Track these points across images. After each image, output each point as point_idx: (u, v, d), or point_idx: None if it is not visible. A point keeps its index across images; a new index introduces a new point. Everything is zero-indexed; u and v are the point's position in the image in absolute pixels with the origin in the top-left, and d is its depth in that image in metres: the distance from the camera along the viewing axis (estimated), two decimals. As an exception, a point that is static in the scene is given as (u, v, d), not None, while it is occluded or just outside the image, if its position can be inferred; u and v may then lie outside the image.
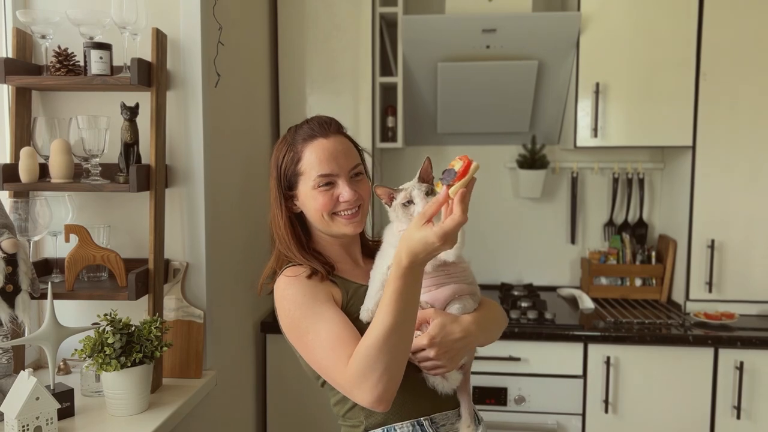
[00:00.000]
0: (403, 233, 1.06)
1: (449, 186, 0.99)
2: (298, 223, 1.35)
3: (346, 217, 1.29)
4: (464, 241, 1.18)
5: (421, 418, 1.26)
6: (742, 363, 2.26)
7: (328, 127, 1.31)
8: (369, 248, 1.43)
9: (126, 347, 1.55)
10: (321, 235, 1.35)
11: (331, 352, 1.17)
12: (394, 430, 1.26)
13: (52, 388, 1.53)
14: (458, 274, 1.28)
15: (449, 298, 1.26)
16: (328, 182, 1.28)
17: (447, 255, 1.19)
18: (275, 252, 1.36)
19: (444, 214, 1.01)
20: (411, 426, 1.26)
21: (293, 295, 1.24)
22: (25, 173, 1.68)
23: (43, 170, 1.73)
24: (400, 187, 1.22)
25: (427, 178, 1.21)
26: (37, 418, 1.37)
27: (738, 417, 2.28)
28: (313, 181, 1.27)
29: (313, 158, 1.28)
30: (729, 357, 2.29)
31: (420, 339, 1.18)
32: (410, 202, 1.18)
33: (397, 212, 1.21)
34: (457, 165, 1.01)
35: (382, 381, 1.09)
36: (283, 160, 1.31)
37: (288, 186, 1.32)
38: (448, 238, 1.00)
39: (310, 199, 1.29)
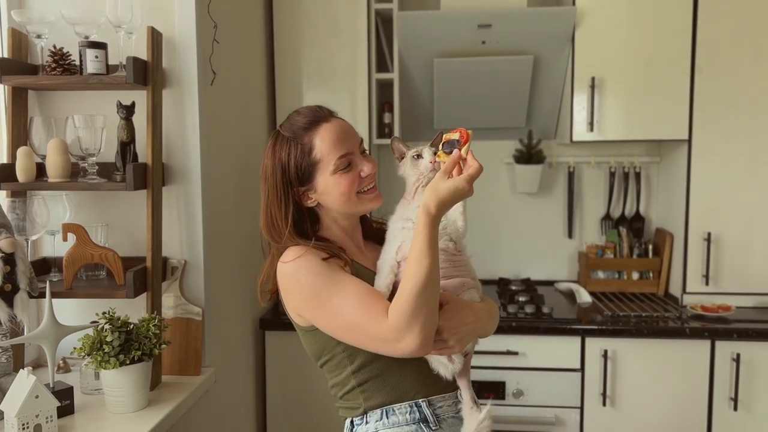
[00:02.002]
0: (427, 187, 1.18)
1: (459, 149, 1.20)
2: (307, 216, 1.33)
3: (370, 192, 1.31)
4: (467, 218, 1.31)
5: (419, 400, 1.29)
6: (738, 355, 2.27)
7: (322, 111, 1.31)
8: (371, 231, 1.44)
9: (125, 345, 1.56)
10: (329, 223, 1.34)
11: (364, 308, 1.18)
12: (393, 411, 1.28)
13: (51, 386, 1.54)
14: (463, 267, 1.33)
15: (458, 288, 1.30)
16: (348, 162, 1.27)
17: (458, 230, 1.30)
18: (271, 257, 1.33)
19: (456, 171, 1.19)
20: (409, 407, 1.29)
21: (308, 266, 1.23)
22: (22, 173, 1.68)
23: (40, 170, 1.73)
24: (412, 149, 1.35)
25: (436, 147, 1.33)
26: (37, 416, 1.38)
27: (735, 408, 2.30)
28: (333, 165, 1.26)
29: (327, 142, 1.26)
30: (726, 349, 2.30)
31: None
32: (419, 156, 1.31)
33: (407, 164, 1.33)
34: (454, 136, 1.23)
35: (427, 324, 1.14)
36: (289, 157, 1.27)
37: (302, 181, 1.28)
38: (473, 183, 1.17)
39: (333, 186, 1.27)
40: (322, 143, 1.26)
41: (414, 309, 1.13)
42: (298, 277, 1.23)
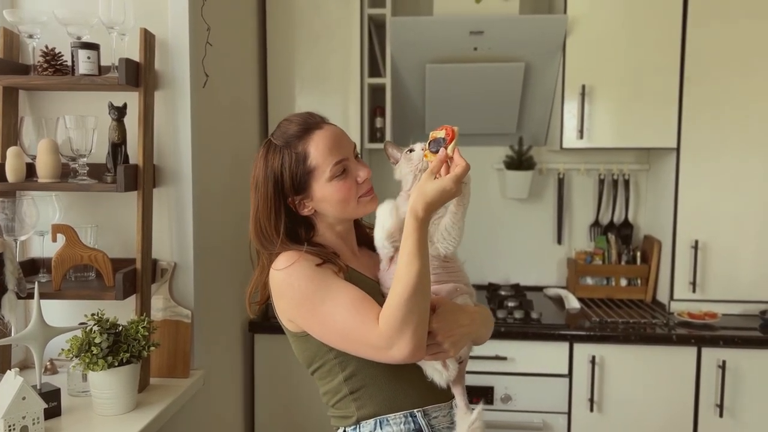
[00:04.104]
0: (413, 190, 1.18)
1: (445, 147, 1.18)
2: (302, 224, 1.31)
3: (367, 195, 1.30)
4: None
5: (414, 410, 1.27)
6: (724, 362, 2.30)
7: (314, 118, 1.30)
8: (364, 236, 1.43)
9: (113, 347, 1.55)
10: (323, 229, 1.32)
11: (357, 313, 1.17)
12: (387, 421, 1.27)
13: (38, 387, 1.53)
14: (457, 272, 1.33)
15: (451, 293, 1.29)
16: (343, 169, 1.26)
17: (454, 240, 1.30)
18: (261, 266, 1.32)
19: (444, 170, 1.17)
20: (404, 417, 1.27)
21: (301, 271, 1.21)
22: (11, 173, 1.67)
23: (30, 170, 1.72)
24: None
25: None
26: (24, 417, 1.37)
27: (720, 415, 2.31)
28: (329, 172, 1.25)
29: (321, 149, 1.25)
30: (712, 356, 2.32)
31: (428, 322, 1.20)
32: (411, 150, 1.31)
33: (401, 164, 1.32)
34: (440, 134, 1.20)
35: (419, 330, 1.13)
36: (282, 166, 1.25)
37: (297, 190, 1.26)
38: (460, 182, 1.16)
39: (332, 193, 1.26)
40: (317, 151, 1.25)
41: (405, 314, 1.12)
42: (291, 281, 1.21)
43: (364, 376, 1.26)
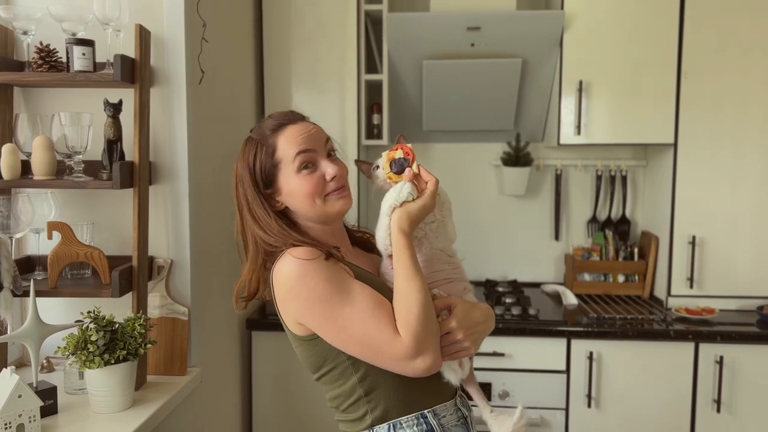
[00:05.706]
0: (396, 212, 1.22)
1: (410, 167, 1.26)
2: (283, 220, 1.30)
3: (335, 192, 1.27)
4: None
5: (425, 411, 1.27)
6: (722, 357, 2.30)
7: (293, 115, 1.30)
8: (354, 239, 1.42)
9: (110, 344, 1.55)
10: (312, 227, 1.30)
11: (378, 322, 1.16)
12: (400, 424, 1.26)
13: (35, 385, 1.52)
14: (458, 269, 1.36)
15: (461, 291, 1.32)
16: (309, 162, 1.25)
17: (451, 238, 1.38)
18: (251, 262, 1.31)
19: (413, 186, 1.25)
20: (416, 419, 1.26)
21: (317, 269, 1.17)
22: (6, 170, 1.67)
23: (26, 167, 1.71)
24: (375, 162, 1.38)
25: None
26: (20, 415, 1.37)
27: (718, 411, 2.32)
28: (293, 163, 1.23)
29: (288, 141, 1.25)
30: (709, 351, 2.32)
31: (448, 321, 1.22)
32: (377, 167, 1.35)
33: (375, 176, 1.36)
34: (397, 154, 1.27)
35: (437, 341, 1.18)
36: (255, 158, 1.26)
37: (267, 183, 1.27)
38: (435, 197, 1.26)
39: (296, 187, 1.24)
40: (285, 142, 1.25)
41: (426, 326, 1.14)
42: (306, 281, 1.17)
43: (375, 377, 1.24)
